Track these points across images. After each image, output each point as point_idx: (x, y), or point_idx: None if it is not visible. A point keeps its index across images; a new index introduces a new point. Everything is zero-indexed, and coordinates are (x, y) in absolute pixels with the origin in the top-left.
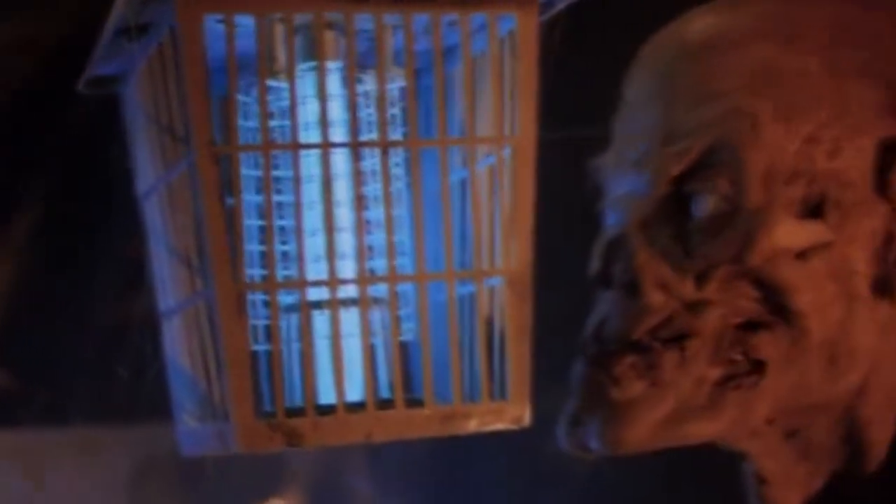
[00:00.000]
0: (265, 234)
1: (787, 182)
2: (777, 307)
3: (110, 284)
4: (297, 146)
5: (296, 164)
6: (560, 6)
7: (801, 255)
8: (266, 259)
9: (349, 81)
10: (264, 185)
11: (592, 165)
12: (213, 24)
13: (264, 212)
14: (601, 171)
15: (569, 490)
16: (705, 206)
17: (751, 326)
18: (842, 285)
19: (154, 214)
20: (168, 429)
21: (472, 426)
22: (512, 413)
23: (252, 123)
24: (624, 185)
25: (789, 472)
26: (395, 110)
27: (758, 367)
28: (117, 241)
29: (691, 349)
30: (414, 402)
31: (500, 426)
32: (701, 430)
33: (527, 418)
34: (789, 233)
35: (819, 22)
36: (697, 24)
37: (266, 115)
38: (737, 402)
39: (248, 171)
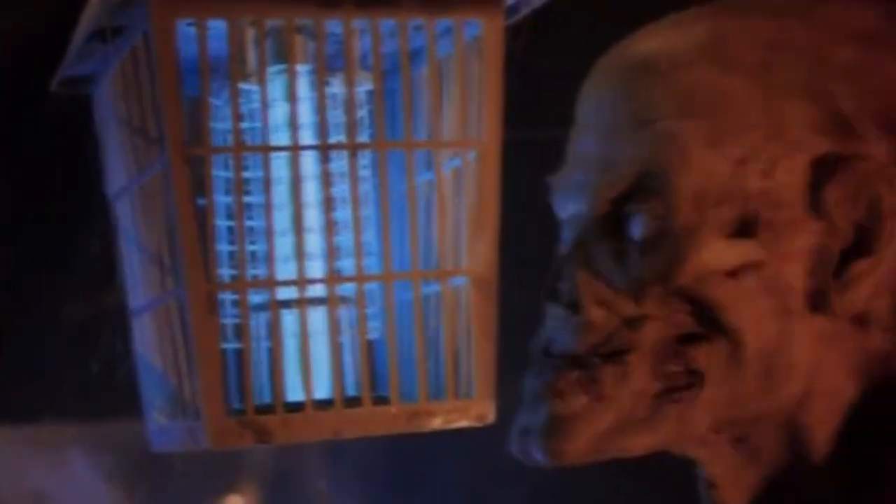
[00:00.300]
0: (233, 234)
1: (717, 204)
2: (711, 322)
3: (81, 282)
4: (268, 149)
5: (266, 167)
6: (525, 11)
7: (733, 273)
8: (237, 259)
9: (319, 85)
10: (235, 187)
11: (548, 181)
12: (183, 28)
13: (233, 212)
14: (553, 188)
15: (526, 488)
16: (640, 226)
17: (688, 339)
18: (777, 301)
19: (125, 214)
20: (133, 425)
21: (438, 423)
22: (477, 410)
23: (221, 125)
24: (570, 208)
25: (737, 475)
26: (362, 113)
27: (695, 378)
28: (90, 239)
29: (631, 363)
30: (380, 400)
31: (464, 423)
32: (640, 443)
33: (491, 416)
34: (718, 253)
35: (756, 41)
36: (639, 46)
37: (238, 118)
38: (676, 414)
39: (216, 172)
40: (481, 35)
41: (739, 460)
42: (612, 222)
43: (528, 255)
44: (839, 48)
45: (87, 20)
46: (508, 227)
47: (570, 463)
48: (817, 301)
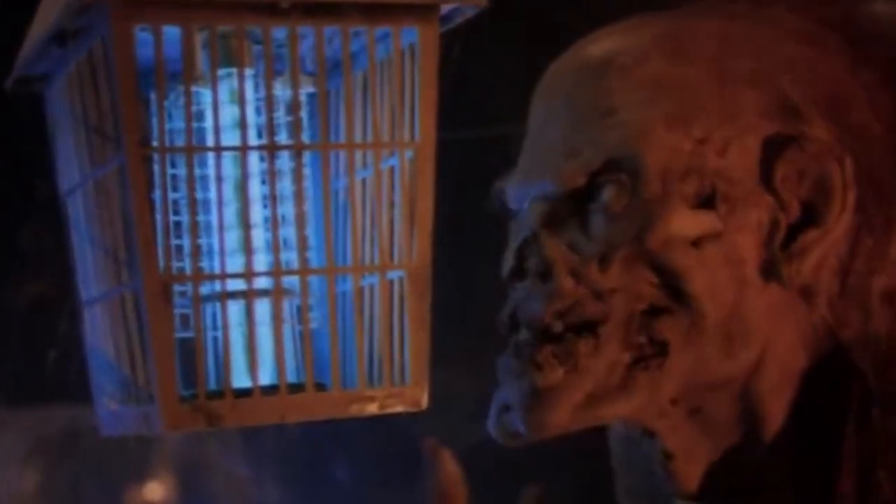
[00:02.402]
0: (179, 229)
1: (681, 179)
2: (675, 291)
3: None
4: (219, 149)
5: (217, 165)
6: (458, 20)
7: (696, 242)
8: (190, 252)
9: (267, 88)
10: (187, 184)
11: (496, 188)
12: (136, 32)
13: (180, 208)
14: (504, 192)
15: None
16: (607, 194)
17: (654, 312)
18: (734, 270)
19: (78, 210)
20: (53, 411)
21: (375, 408)
22: (411, 396)
23: (168, 126)
24: (530, 193)
25: (692, 447)
26: (302, 114)
27: (661, 348)
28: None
29: (603, 335)
30: (321, 386)
31: (400, 408)
32: (616, 411)
33: (425, 401)
34: (684, 221)
35: (707, 37)
36: (595, 48)
37: (191, 119)
38: (646, 382)
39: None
40: (417, 42)
41: (695, 432)
42: (577, 200)
43: (460, 248)
44: (782, 44)
45: (46, 22)
46: (441, 222)
47: (551, 434)
48: (768, 271)
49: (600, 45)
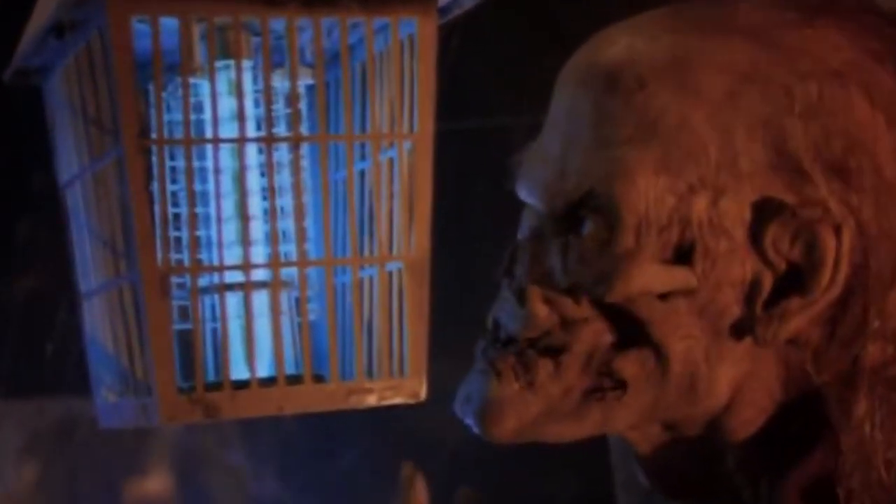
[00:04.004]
0: (177, 220)
1: (660, 231)
2: (639, 333)
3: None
4: (217, 140)
5: (216, 157)
6: (457, 12)
7: (664, 296)
8: (188, 244)
9: (265, 80)
10: (186, 176)
11: (512, 161)
12: (134, 24)
13: (178, 200)
14: (517, 176)
15: (441, 461)
16: (587, 231)
17: (620, 345)
18: (707, 322)
19: (77, 202)
20: (50, 403)
21: (373, 400)
22: (410, 388)
23: (166, 117)
24: (528, 198)
25: (664, 453)
26: (301, 105)
27: (621, 383)
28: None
29: (564, 361)
30: (320, 378)
31: (398, 400)
32: (564, 433)
33: (423, 393)
34: (651, 279)
35: (722, 70)
36: (608, 53)
37: (189, 111)
38: (600, 411)
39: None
40: (415, 33)
41: (667, 441)
42: (565, 220)
43: (459, 240)
44: (805, 84)
45: (45, 15)
46: (440, 213)
47: (497, 442)
48: (745, 328)
49: (614, 49)
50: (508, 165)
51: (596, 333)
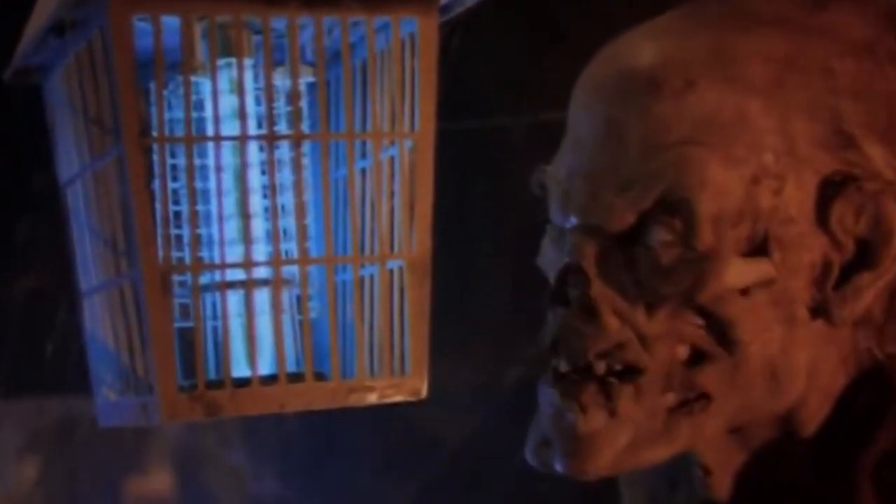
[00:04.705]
0: (178, 218)
1: (734, 224)
2: (720, 336)
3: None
4: (218, 138)
5: (217, 155)
6: (458, 10)
7: (745, 290)
8: (190, 242)
9: (266, 78)
10: (187, 174)
11: (535, 180)
12: (135, 22)
13: (179, 198)
14: (552, 199)
15: (441, 460)
16: (658, 242)
17: (696, 359)
18: (782, 311)
19: (77, 200)
20: (50, 402)
21: (375, 398)
22: (411, 386)
23: (168, 115)
24: (572, 220)
25: (729, 461)
26: (302, 104)
27: (705, 395)
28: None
29: (644, 385)
30: (321, 376)
31: (400, 398)
32: (658, 455)
33: (424, 391)
34: (736, 273)
35: (766, 58)
36: (639, 60)
37: (190, 109)
38: (689, 425)
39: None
40: (416, 32)
41: (734, 448)
42: (624, 235)
43: (460, 238)
44: (843, 61)
45: (45, 14)
46: (441, 212)
47: (593, 478)
48: (819, 310)
49: (645, 55)
50: (531, 190)
51: (670, 349)
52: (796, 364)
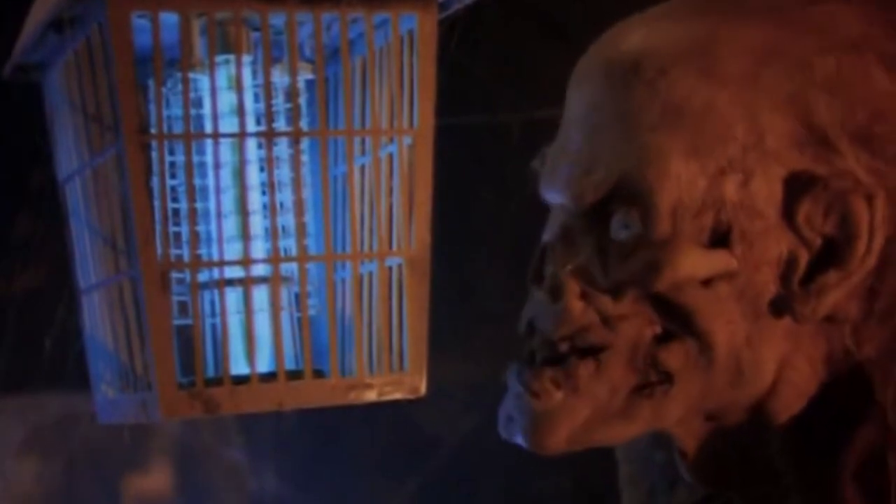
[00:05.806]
0: (177, 216)
1: (694, 215)
2: (684, 323)
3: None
4: (217, 135)
5: (216, 152)
6: (457, 7)
7: (706, 282)
8: (188, 239)
9: (265, 74)
10: (186, 171)
11: (532, 166)
12: (134, 19)
13: (178, 195)
14: (541, 178)
15: (439, 458)
16: (619, 229)
17: (663, 338)
18: (747, 305)
19: (76, 197)
20: (49, 399)
21: (374, 396)
22: (410, 383)
23: (166, 112)
24: (556, 198)
25: (706, 446)
26: (301, 101)
27: (667, 377)
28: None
29: (606, 360)
30: (320, 373)
31: (399, 396)
32: (617, 434)
33: (423, 388)
34: (693, 264)
35: (743, 51)
36: (627, 43)
37: (189, 106)
38: (649, 409)
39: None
40: (416, 28)
41: (710, 433)
42: (596, 217)
43: (458, 236)
44: (824, 58)
45: (44, 10)
46: (440, 209)
47: (552, 453)
48: (784, 306)
49: (631, 40)
50: (529, 170)
51: (637, 329)
52: (762, 358)
